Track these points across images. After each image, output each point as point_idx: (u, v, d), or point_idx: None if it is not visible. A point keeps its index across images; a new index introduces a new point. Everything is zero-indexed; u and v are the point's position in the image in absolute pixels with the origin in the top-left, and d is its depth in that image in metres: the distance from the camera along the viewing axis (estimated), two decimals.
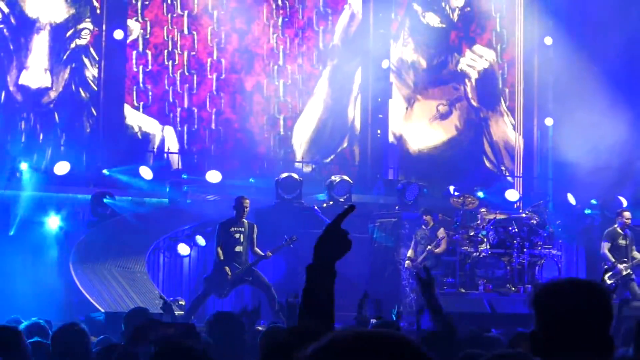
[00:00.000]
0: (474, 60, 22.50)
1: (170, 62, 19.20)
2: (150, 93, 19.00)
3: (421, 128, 21.54)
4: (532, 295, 3.33)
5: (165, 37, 19.19)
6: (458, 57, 22.32)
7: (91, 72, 18.72)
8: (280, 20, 20.14)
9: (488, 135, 22.22)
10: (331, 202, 17.25)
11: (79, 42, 18.84)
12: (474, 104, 22.22)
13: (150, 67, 19.08)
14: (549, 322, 3.26)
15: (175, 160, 19.08)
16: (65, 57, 18.77)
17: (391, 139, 21.08)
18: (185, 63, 19.26)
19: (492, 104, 22.44)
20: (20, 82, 18.34)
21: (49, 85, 18.51)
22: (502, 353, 4.20)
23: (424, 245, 16.36)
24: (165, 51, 19.20)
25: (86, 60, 18.87)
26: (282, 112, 20.10)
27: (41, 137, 18.02)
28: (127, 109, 18.95)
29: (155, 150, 18.93)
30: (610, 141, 18.93)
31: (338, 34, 21.12)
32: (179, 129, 19.10)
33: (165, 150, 19.02)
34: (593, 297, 3.28)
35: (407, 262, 16.48)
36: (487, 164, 21.80)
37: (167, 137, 19.23)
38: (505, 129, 22.28)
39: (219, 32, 19.49)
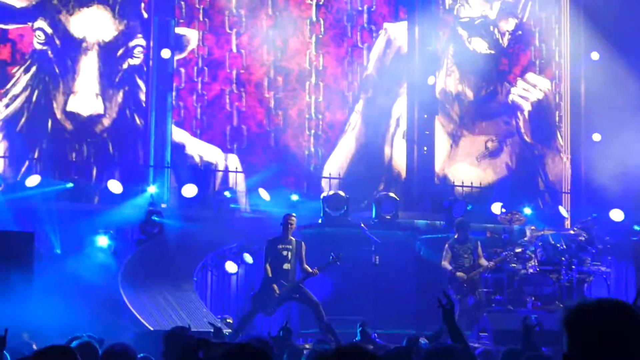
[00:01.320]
0: (527, 91, 20.97)
1: (218, 80, 18.68)
2: (203, 118, 18.54)
3: (467, 167, 20.19)
4: (564, 316, 3.26)
5: (214, 54, 18.62)
6: (509, 86, 20.83)
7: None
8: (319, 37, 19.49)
9: (543, 175, 21.03)
10: (377, 220, 17.21)
11: (131, 61, 18.04)
12: (527, 139, 20.91)
13: (200, 90, 18.53)
14: (580, 344, 3.20)
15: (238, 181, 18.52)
16: (117, 79, 17.92)
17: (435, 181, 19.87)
18: (234, 81, 18.77)
19: (548, 139, 21.14)
20: (68, 108, 17.50)
21: (102, 112, 17.68)
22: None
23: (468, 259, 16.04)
24: (206, 69, 18.60)
25: (140, 82, 18.07)
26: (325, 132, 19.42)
27: (95, 172, 17.35)
28: (185, 136, 18.34)
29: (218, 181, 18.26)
30: None
31: (373, 62, 19.98)
32: (229, 146, 18.71)
33: (231, 185, 18.25)
34: (625, 318, 3.21)
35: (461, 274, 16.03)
36: (540, 204, 20.48)
37: (231, 165, 18.58)
38: (563, 167, 21.13)
39: (267, 49, 18.96)
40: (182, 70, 18.51)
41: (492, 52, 20.77)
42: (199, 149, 18.60)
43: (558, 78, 21.43)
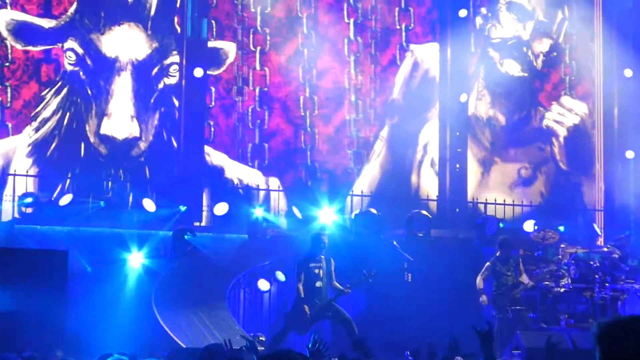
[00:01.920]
0: (562, 115, 20.23)
1: (240, 98, 18.34)
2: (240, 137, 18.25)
3: (500, 196, 19.37)
4: (596, 331, 3.24)
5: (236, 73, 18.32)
6: (543, 111, 20.16)
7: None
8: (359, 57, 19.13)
9: (581, 204, 20.38)
10: (410, 237, 17.14)
11: (167, 81, 17.55)
12: (563, 167, 20.28)
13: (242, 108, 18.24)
14: (612, 359, 3.17)
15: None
16: (152, 100, 17.42)
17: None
18: (257, 99, 18.43)
19: (585, 166, 20.46)
20: (102, 132, 16.96)
21: (138, 135, 17.17)
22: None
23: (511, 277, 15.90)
24: (235, 87, 18.29)
25: (177, 102, 17.60)
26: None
27: (131, 198, 16.68)
28: (223, 159, 18.03)
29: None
30: None
31: (398, 86, 19.37)
32: (263, 163, 18.52)
33: (273, 206, 17.85)
34: None
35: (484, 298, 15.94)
36: (578, 222, 19.80)
37: (272, 186, 18.22)
38: (597, 188, 20.46)
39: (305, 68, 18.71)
40: (213, 88, 18.25)
41: (526, 74, 20.07)
42: (238, 172, 18.31)
43: (592, 97, 20.78)
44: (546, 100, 20.43)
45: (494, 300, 15.62)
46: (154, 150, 17.42)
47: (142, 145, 17.29)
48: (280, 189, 18.48)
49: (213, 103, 18.32)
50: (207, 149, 18.12)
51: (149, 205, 16.22)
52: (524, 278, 15.93)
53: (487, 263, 15.90)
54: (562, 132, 20.34)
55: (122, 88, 17.21)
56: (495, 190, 19.69)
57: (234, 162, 18.30)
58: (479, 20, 20.27)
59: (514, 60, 20.04)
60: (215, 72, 18.28)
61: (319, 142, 18.94)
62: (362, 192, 18.86)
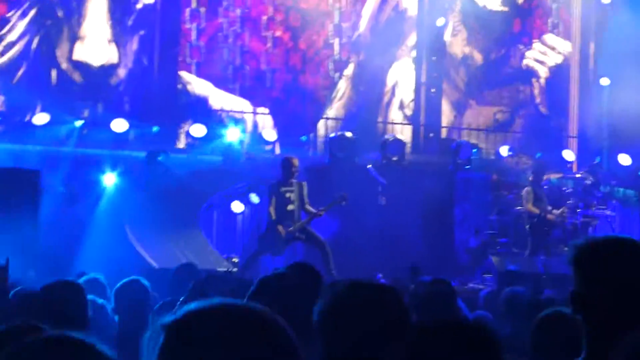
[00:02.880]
0: (545, 54, 18.97)
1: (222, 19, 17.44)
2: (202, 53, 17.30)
3: (473, 142, 18.33)
4: (572, 254, 3.22)
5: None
6: (524, 49, 18.83)
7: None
8: None
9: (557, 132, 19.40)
10: (384, 161, 17.11)
11: (146, 0, 16.32)
12: (543, 110, 19.30)
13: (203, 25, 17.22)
14: (589, 282, 3.17)
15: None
16: (130, 22, 16.20)
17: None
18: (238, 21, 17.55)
19: (565, 110, 19.46)
20: (75, 57, 15.75)
21: (115, 61, 15.93)
22: None
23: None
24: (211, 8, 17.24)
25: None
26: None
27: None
28: (210, 88, 17.09)
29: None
30: None
31: (366, 20, 18.07)
32: (231, 86, 17.72)
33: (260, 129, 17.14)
34: (632, 252, 3.18)
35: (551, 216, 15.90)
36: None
37: (260, 120, 17.46)
38: (575, 123, 19.46)
39: None
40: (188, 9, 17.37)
41: (506, 9, 18.73)
42: (223, 100, 17.51)
43: (571, 30, 19.71)
44: (527, 38, 19.15)
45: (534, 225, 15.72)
46: (133, 78, 16.28)
47: (121, 72, 16.10)
48: (267, 112, 17.92)
49: (188, 24, 17.64)
50: (190, 77, 17.34)
51: (120, 125, 15.95)
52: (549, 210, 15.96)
53: (528, 188, 15.86)
54: (543, 73, 19.10)
55: (97, 8, 16.04)
56: (469, 136, 18.77)
57: (219, 90, 17.48)
58: None
59: None
60: None
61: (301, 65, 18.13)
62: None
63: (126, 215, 15.27)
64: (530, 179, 15.94)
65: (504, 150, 18.19)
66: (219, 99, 17.55)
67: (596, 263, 3.18)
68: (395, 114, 18.72)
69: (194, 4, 17.38)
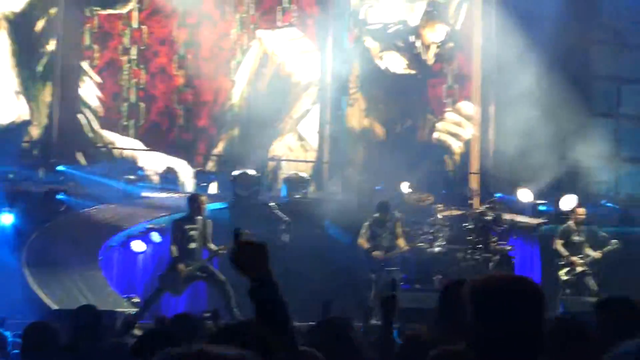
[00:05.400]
0: (459, 125, 17.39)
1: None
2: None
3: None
4: (470, 290, 3.40)
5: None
6: (434, 120, 17.00)
7: None
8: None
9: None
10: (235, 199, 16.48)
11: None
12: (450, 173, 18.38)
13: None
14: (479, 316, 3.33)
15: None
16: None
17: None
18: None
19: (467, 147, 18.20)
20: None
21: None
22: None
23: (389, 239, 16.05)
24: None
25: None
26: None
27: None
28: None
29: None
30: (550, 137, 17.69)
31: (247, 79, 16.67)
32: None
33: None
34: (525, 294, 3.34)
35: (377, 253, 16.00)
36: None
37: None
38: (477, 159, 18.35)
39: None
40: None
41: (413, 72, 16.62)
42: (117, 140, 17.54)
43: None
44: (438, 107, 17.26)
45: (368, 261, 15.81)
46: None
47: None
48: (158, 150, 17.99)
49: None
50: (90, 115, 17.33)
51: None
52: (401, 241, 16.11)
53: (366, 223, 16.02)
54: (457, 148, 17.11)
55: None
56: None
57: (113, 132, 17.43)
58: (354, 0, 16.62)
59: (398, 53, 16.65)
60: None
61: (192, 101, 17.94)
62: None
63: (24, 255, 14.96)
64: (376, 216, 16.04)
65: (405, 187, 18.18)
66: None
67: (490, 298, 3.35)
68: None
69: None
